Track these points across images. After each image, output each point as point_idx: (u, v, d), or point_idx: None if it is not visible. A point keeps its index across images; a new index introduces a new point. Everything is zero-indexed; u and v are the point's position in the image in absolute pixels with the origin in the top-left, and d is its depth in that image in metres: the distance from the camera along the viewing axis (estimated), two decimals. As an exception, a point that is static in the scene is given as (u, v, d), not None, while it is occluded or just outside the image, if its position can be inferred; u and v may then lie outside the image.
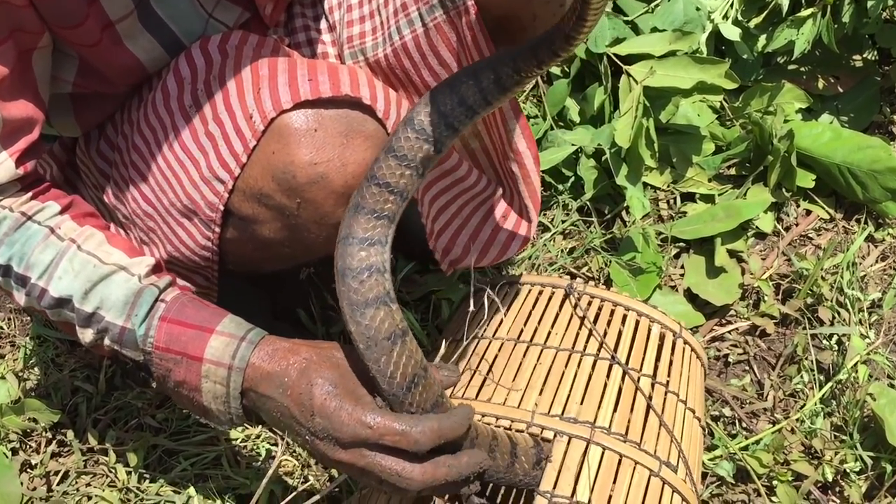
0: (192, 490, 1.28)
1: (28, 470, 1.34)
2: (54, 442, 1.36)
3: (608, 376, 1.06)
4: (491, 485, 1.26)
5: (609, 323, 1.13)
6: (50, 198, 0.96)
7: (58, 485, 1.32)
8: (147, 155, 1.00)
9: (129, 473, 1.31)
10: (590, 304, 1.15)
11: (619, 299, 1.15)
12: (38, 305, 0.94)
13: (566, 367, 1.06)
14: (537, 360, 1.07)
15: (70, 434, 1.35)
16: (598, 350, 1.08)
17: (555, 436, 0.97)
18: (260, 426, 1.35)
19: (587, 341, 1.09)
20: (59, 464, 1.34)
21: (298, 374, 0.86)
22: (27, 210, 0.93)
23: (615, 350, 1.08)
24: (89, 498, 1.30)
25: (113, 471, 1.32)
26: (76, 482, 1.32)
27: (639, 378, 1.06)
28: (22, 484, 1.29)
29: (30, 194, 0.94)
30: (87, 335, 0.94)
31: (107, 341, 0.94)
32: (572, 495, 0.92)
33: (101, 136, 1.09)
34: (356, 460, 0.83)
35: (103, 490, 1.30)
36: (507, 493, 1.26)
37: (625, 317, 1.14)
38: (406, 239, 1.50)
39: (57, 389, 1.40)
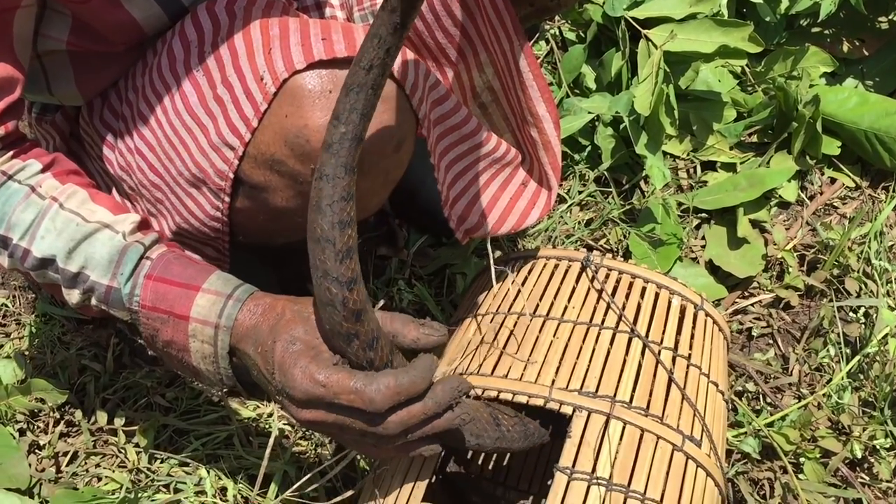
0: (203, 470, 1.26)
1: (36, 451, 1.32)
2: (62, 422, 1.34)
3: (628, 350, 1.02)
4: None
5: (628, 296, 1.09)
6: (31, 156, 0.94)
7: (67, 465, 1.30)
8: (153, 122, 0.97)
9: (139, 454, 1.29)
10: (608, 276, 1.11)
11: (638, 271, 1.12)
12: (21, 267, 0.93)
13: (584, 341, 1.03)
14: (554, 335, 1.03)
15: (78, 414, 1.33)
16: (617, 323, 1.04)
17: (574, 411, 0.94)
18: (271, 404, 1.33)
19: (605, 314, 1.06)
20: (68, 444, 1.32)
21: (269, 329, 0.84)
22: (7, 169, 0.92)
23: (635, 323, 1.05)
24: (99, 479, 1.28)
25: (123, 451, 1.30)
26: (85, 463, 1.30)
27: (659, 351, 1.03)
28: (30, 465, 1.28)
29: (10, 153, 0.93)
30: (73, 296, 0.93)
31: (94, 301, 0.93)
32: (592, 471, 0.89)
33: (105, 104, 1.06)
34: (324, 418, 0.80)
35: (113, 471, 1.28)
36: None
37: (644, 289, 1.10)
38: (419, 212, 1.47)
39: (64, 368, 1.38)
